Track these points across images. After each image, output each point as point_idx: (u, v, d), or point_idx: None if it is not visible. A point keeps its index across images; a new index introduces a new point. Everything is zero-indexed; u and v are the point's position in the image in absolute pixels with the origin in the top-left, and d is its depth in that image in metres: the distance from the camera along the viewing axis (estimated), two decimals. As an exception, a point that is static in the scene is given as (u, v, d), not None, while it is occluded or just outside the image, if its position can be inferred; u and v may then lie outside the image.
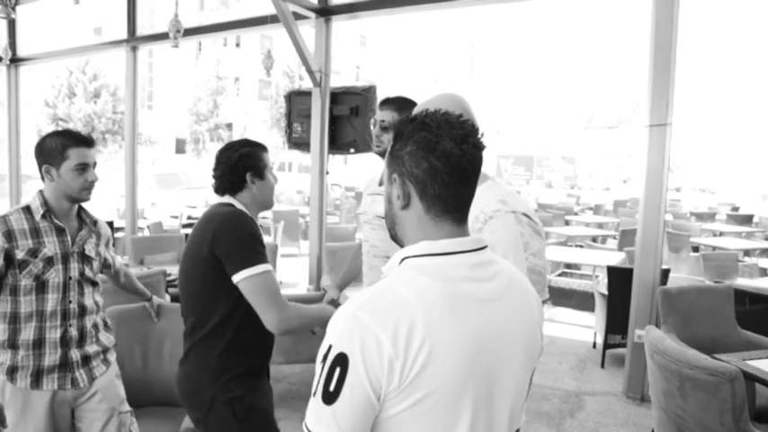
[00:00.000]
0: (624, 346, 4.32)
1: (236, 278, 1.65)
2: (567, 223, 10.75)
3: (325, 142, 5.06)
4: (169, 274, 4.38)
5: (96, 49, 8.39)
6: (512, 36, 69.80)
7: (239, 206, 1.81)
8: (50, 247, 1.92)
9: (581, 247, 8.19)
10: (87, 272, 2.03)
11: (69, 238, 1.98)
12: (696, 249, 7.66)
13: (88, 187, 1.97)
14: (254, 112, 33.87)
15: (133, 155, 6.62)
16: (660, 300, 3.60)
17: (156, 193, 14.92)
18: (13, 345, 1.89)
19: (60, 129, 1.99)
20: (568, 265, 7.24)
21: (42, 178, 1.95)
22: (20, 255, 1.86)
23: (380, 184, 2.23)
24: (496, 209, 1.48)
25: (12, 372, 1.89)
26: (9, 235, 1.86)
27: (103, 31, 26.92)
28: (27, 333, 1.90)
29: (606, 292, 4.55)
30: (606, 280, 4.59)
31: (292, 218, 9.74)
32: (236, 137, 33.37)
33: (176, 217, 9.94)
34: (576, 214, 12.68)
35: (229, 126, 33.57)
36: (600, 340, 4.79)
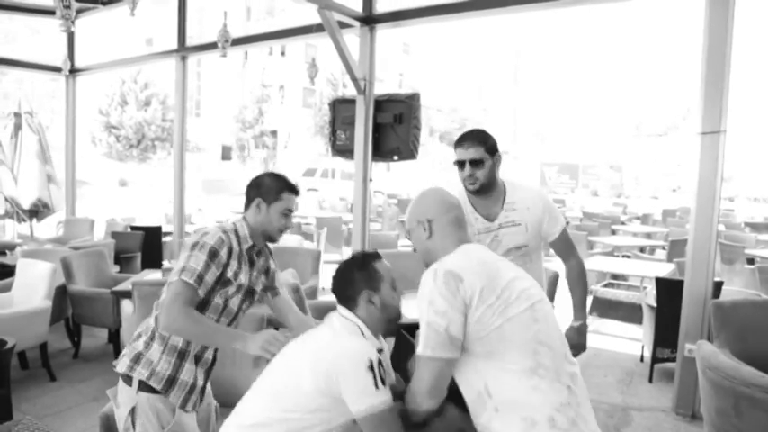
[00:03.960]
0: (673, 360, 4.17)
1: None
2: (613, 233, 10.49)
3: (368, 149, 5.10)
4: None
5: (148, 59, 8.71)
6: (558, 42, 68.78)
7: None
8: (245, 276, 2.00)
9: (628, 257, 7.97)
10: (245, 306, 2.08)
11: (255, 273, 2.07)
12: (751, 261, 7.34)
13: (284, 231, 2.07)
14: (299, 120, 34.41)
15: (181, 161, 6.83)
16: (713, 313, 3.46)
17: (202, 198, 15.32)
18: (182, 356, 1.91)
19: (278, 173, 2.12)
20: (615, 276, 7.04)
21: (246, 208, 2.05)
22: (228, 274, 1.93)
23: (488, 219, 2.35)
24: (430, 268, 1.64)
25: (170, 382, 1.89)
26: (230, 253, 1.93)
27: (154, 42, 27.88)
28: (196, 348, 1.95)
29: (655, 304, 4.41)
30: (655, 291, 4.45)
31: (335, 225, 9.81)
32: (280, 144, 34.08)
33: (221, 222, 10.16)
34: (622, 224, 12.35)
35: (274, 133, 34.18)
36: (648, 353, 4.65)
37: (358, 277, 1.70)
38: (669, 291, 4.25)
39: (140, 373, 1.86)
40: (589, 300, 6.45)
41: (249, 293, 2.05)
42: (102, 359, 4.66)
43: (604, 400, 4.07)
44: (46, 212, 7.41)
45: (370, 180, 5.24)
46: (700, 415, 3.64)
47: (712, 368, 2.26)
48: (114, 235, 6.65)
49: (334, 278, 1.76)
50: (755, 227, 11.75)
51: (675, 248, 7.64)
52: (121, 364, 1.90)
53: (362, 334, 1.65)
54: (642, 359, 4.92)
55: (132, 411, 1.86)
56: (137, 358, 1.89)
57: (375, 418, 1.49)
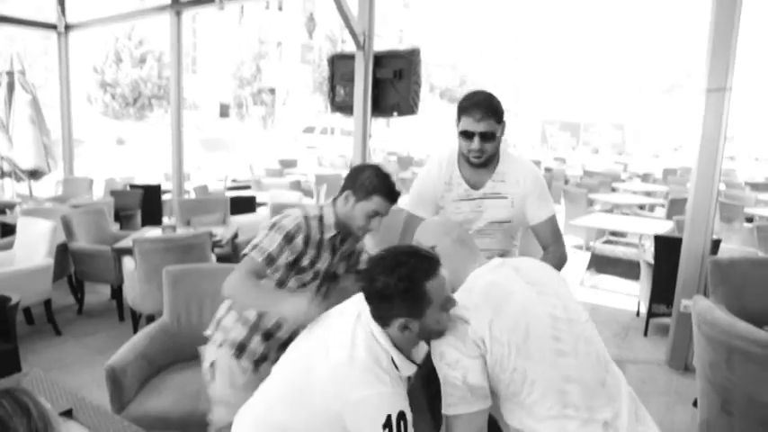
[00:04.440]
0: (668, 315, 4.24)
1: None
2: (613, 190, 10.49)
3: (368, 105, 5.03)
4: (215, 235, 4.51)
5: (143, 15, 8.49)
6: (560, -4, 67.09)
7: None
8: (323, 263, 1.96)
9: (627, 215, 7.98)
10: (323, 289, 2.05)
11: (336, 259, 2.02)
12: (750, 220, 7.37)
13: (366, 232, 1.95)
14: (297, 77, 33.89)
15: (178, 119, 6.75)
16: (710, 270, 3.49)
17: (201, 156, 15.23)
18: (254, 328, 1.97)
19: (384, 170, 1.92)
20: (614, 233, 7.09)
21: (339, 193, 1.95)
22: (304, 262, 1.91)
23: (474, 187, 2.19)
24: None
25: (240, 349, 1.97)
26: (307, 241, 1.89)
27: (148, -4, 27.20)
28: (270, 323, 1.97)
29: (652, 261, 4.45)
30: (653, 248, 4.48)
31: (335, 181, 9.81)
32: (278, 101, 33.67)
33: (221, 180, 10.15)
34: (623, 181, 12.34)
35: (272, 91, 33.74)
36: (644, 309, 4.71)
37: (398, 303, 1.36)
38: (667, 248, 4.28)
39: (217, 336, 2.00)
40: (587, 256, 6.52)
41: (329, 278, 2.03)
42: (105, 315, 4.72)
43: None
44: (44, 173, 7.39)
45: (370, 136, 5.19)
46: (692, 368, 3.72)
47: (708, 323, 2.30)
48: (113, 193, 6.65)
49: (367, 280, 1.40)
50: (756, 186, 11.73)
51: (675, 207, 7.66)
52: (210, 328, 2.06)
53: (393, 364, 1.40)
54: (638, 314, 5.00)
55: (212, 365, 2.00)
56: (217, 323, 2.04)
57: None
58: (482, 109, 2.03)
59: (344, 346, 1.38)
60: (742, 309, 3.27)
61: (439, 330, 1.41)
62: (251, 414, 1.54)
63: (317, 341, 1.49)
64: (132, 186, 7.38)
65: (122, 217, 6.29)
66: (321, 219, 1.94)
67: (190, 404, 2.39)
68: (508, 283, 1.49)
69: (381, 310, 1.39)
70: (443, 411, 1.39)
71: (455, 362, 1.36)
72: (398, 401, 1.33)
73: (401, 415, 1.31)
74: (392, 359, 1.39)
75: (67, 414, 1.82)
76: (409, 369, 1.44)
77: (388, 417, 1.29)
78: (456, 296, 1.44)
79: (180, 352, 2.79)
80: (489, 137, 2.05)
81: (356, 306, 1.48)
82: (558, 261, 2.15)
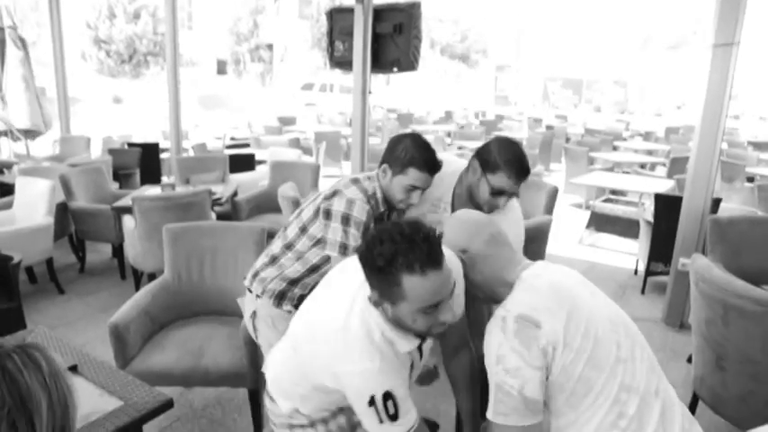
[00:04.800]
0: (666, 273, 4.27)
1: None
2: (614, 149, 10.43)
3: (367, 61, 4.94)
4: (214, 193, 4.50)
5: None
6: (566, -52, 65.04)
7: None
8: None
9: (627, 173, 7.96)
10: None
11: None
12: (751, 180, 7.35)
13: (407, 206, 1.92)
14: (295, 32, 33.19)
15: (175, 76, 6.63)
16: (709, 229, 3.50)
17: (199, 113, 15.06)
18: (293, 283, 1.97)
19: (422, 140, 1.82)
20: (614, 192, 7.08)
21: (379, 165, 1.93)
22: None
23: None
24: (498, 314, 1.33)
25: (280, 297, 1.99)
26: (371, 216, 1.89)
27: (141, -52, 26.36)
28: (312, 283, 1.95)
29: (652, 220, 4.45)
30: (653, 207, 4.48)
31: (334, 139, 9.74)
32: (276, 57, 33.06)
33: (220, 138, 10.06)
34: (624, 140, 12.25)
35: (270, 47, 33.08)
36: (642, 267, 4.75)
37: (372, 278, 1.26)
38: (667, 207, 4.28)
39: (256, 287, 2.01)
40: (587, 214, 6.53)
41: None
42: (107, 273, 4.76)
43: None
44: (40, 132, 7.31)
45: (370, 92, 5.11)
46: (688, 325, 3.77)
47: (705, 280, 2.31)
48: (111, 152, 6.60)
49: (363, 239, 1.32)
50: (758, 146, 11.64)
51: (676, 165, 7.62)
52: (247, 278, 2.06)
53: (388, 344, 1.32)
54: (636, 272, 5.04)
55: (253, 315, 2.03)
56: (255, 274, 2.03)
57: None
58: (523, 175, 1.89)
59: (343, 310, 1.32)
60: (739, 267, 3.29)
61: (416, 330, 1.28)
62: (279, 350, 1.58)
63: (328, 296, 1.46)
64: (130, 145, 7.32)
65: (121, 176, 6.27)
66: (375, 195, 1.93)
67: (192, 360, 2.43)
68: (571, 284, 1.36)
69: (365, 275, 1.28)
70: (490, 417, 1.28)
71: (515, 369, 1.22)
72: (385, 380, 1.26)
73: (387, 395, 1.25)
74: (383, 334, 1.30)
75: (73, 369, 1.85)
76: (408, 344, 1.33)
77: (372, 396, 1.25)
78: (520, 294, 1.32)
79: (181, 309, 2.83)
80: (514, 194, 1.95)
81: (350, 290, 1.38)
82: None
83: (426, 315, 1.24)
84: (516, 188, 1.90)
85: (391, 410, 1.25)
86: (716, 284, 2.25)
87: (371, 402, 1.25)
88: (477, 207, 1.90)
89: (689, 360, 3.36)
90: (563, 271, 1.42)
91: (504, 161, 1.85)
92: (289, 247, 1.95)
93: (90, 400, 1.70)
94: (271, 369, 1.59)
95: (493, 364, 1.26)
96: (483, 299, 1.47)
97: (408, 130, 12.02)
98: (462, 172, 1.99)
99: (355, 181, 1.92)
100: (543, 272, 1.38)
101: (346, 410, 1.51)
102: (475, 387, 1.67)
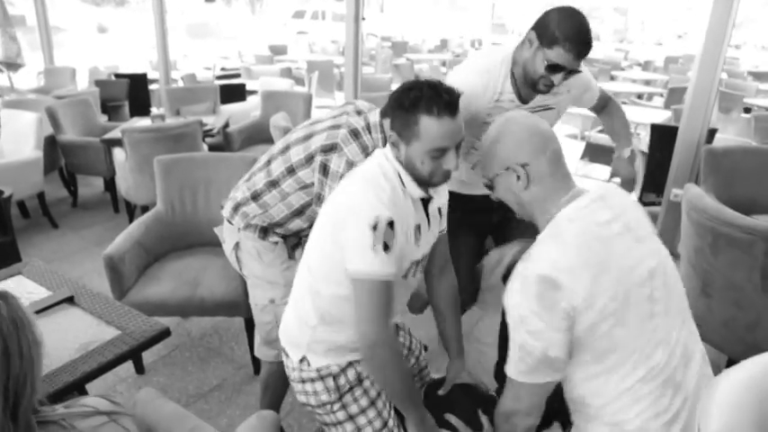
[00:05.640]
0: (658, 204, 4.29)
1: None
2: (612, 79, 10.23)
3: (360, -15, 4.74)
4: (205, 124, 4.43)
5: None
6: None
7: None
8: None
9: (625, 103, 7.85)
10: None
11: None
12: (748, 111, 7.27)
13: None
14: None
15: (161, 4, 6.35)
16: (704, 158, 3.49)
17: (187, 43, 14.59)
18: (277, 224, 1.90)
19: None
20: (610, 123, 6.99)
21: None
22: None
23: (522, 101, 1.93)
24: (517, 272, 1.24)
25: (265, 231, 1.90)
26: None
27: None
28: (295, 225, 1.91)
29: (647, 150, 4.43)
30: (648, 138, 4.45)
31: (327, 68, 9.51)
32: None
33: (210, 68, 9.80)
34: (623, 69, 12.01)
35: (258, -28, 31.65)
36: (635, 197, 4.77)
37: (393, 115, 1.40)
38: (662, 137, 4.25)
39: (237, 222, 1.91)
40: (582, 145, 6.49)
41: None
42: (100, 207, 4.75)
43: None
44: (20, 64, 7.08)
45: (363, 19, 4.93)
46: (677, 254, 3.82)
47: (697, 209, 2.33)
48: (98, 83, 6.43)
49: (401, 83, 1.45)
50: (758, 76, 11.44)
51: (674, 96, 7.51)
52: (226, 209, 1.95)
53: (400, 180, 1.40)
54: (628, 204, 5.07)
55: (236, 247, 1.95)
56: (236, 207, 1.91)
57: (363, 284, 1.31)
58: (587, 48, 1.72)
59: (354, 178, 1.44)
60: (731, 197, 3.31)
61: (422, 172, 1.38)
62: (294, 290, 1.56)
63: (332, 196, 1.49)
64: (117, 76, 7.12)
65: (109, 108, 6.13)
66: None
67: (188, 290, 2.46)
68: (605, 234, 1.22)
69: (389, 114, 1.43)
70: (511, 374, 1.24)
71: (538, 332, 1.17)
72: (394, 212, 1.33)
73: (392, 224, 1.30)
74: (399, 175, 1.40)
75: (69, 301, 1.88)
76: (416, 191, 1.42)
77: (377, 217, 1.28)
78: (546, 246, 1.22)
79: (176, 240, 2.84)
80: (574, 73, 1.79)
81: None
82: (619, 106, 2.33)
83: (433, 159, 1.35)
84: (576, 64, 1.73)
85: (389, 241, 1.29)
86: (707, 213, 2.27)
87: (374, 226, 1.28)
88: (533, 84, 1.79)
89: (676, 288, 3.43)
90: (610, 210, 1.25)
91: (564, 34, 1.67)
92: (273, 184, 1.80)
93: (88, 330, 1.73)
94: (285, 314, 1.60)
95: (517, 322, 1.21)
96: (518, 217, 1.40)
97: (402, 60, 11.73)
98: (517, 47, 1.84)
99: (355, 134, 1.70)
100: (575, 213, 1.24)
101: (354, 364, 1.51)
102: (457, 312, 1.71)
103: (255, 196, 1.85)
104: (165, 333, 1.75)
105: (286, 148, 1.79)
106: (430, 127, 1.32)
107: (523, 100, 1.93)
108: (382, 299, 1.32)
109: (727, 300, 2.32)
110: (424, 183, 1.42)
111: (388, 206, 1.32)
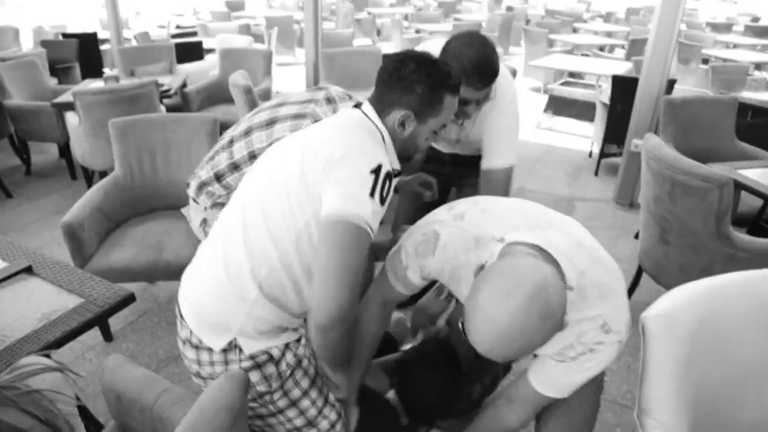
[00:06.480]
0: (619, 155, 4.38)
1: None
2: (574, 31, 10.23)
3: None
4: (161, 85, 4.27)
5: None
6: None
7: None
8: None
9: (587, 56, 7.88)
10: None
11: None
12: (706, 62, 7.39)
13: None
14: None
15: (108, -45, 6.03)
16: (663, 109, 3.56)
17: (138, 0, 13.92)
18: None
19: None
20: (572, 74, 7.04)
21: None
22: None
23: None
24: (600, 340, 1.17)
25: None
26: None
27: None
28: None
29: (608, 102, 4.48)
30: (609, 90, 4.50)
31: (286, 24, 9.25)
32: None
33: (164, 26, 9.40)
34: (584, 21, 12.00)
35: None
36: (596, 149, 4.85)
37: (416, 94, 1.27)
38: (623, 88, 4.30)
39: (204, 201, 1.85)
40: (545, 98, 6.53)
41: None
42: (56, 175, 4.59)
43: (552, 193, 4.33)
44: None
45: (321, -27, 4.78)
46: (637, 204, 3.94)
47: (656, 158, 2.38)
48: (45, 44, 6.09)
49: (399, 60, 1.29)
50: (716, 27, 11.59)
51: (635, 47, 7.57)
52: (191, 188, 1.87)
53: (384, 144, 1.31)
54: (590, 155, 5.15)
55: (203, 223, 1.89)
56: (200, 186, 1.85)
57: (347, 229, 1.13)
58: (486, 78, 1.71)
59: (336, 122, 1.34)
60: (689, 147, 3.39)
61: (421, 147, 1.37)
62: (217, 265, 1.29)
63: (293, 145, 1.31)
64: (65, 36, 6.77)
65: (59, 70, 5.84)
66: None
67: (152, 255, 2.42)
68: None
69: (392, 95, 1.29)
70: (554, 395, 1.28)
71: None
72: (390, 164, 1.23)
73: (390, 175, 1.20)
74: (384, 141, 1.31)
75: (28, 271, 1.82)
76: (395, 161, 1.35)
77: (380, 164, 1.17)
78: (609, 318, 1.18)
79: (137, 205, 2.78)
80: (487, 97, 1.80)
81: (338, 114, 1.41)
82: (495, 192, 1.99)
83: (434, 135, 1.37)
84: (481, 95, 1.75)
85: (385, 191, 1.18)
86: (665, 162, 2.32)
87: (376, 171, 1.16)
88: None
89: (636, 236, 3.54)
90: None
91: (462, 70, 1.63)
92: (236, 167, 1.76)
93: (50, 300, 1.69)
94: (197, 295, 1.32)
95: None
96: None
97: (364, 14, 11.47)
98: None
99: None
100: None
101: (291, 345, 1.32)
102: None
103: (219, 177, 1.80)
104: (130, 299, 1.72)
105: (249, 131, 1.74)
106: (450, 104, 1.33)
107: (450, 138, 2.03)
108: (361, 254, 1.16)
109: (684, 245, 2.40)
110: (407, 158, 1.39)
111: (387, 158, 1.23)
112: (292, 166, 1.23)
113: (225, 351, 1.25)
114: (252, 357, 1.25)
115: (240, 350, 1.24)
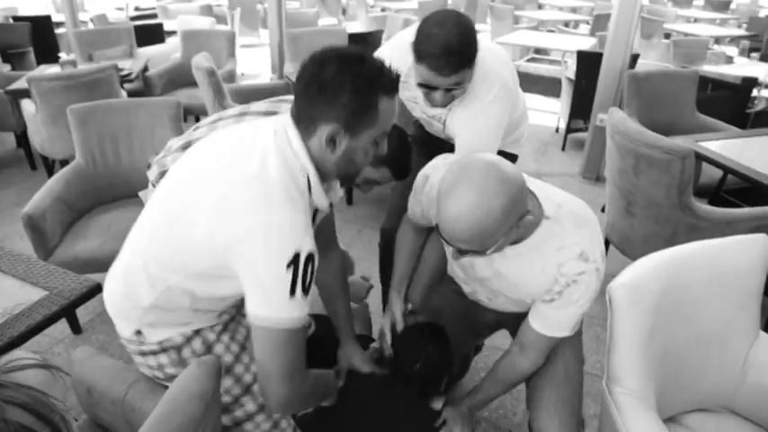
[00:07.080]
0: (585, 130, 4.44)
1: None
2: (540, 7, 10.26)
3: None
4: (122, 69, 4.16)
5: None
6: None
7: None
8: None
9: (552, 32, 7.93)
10: None
11: None
12: (668, 36, 7.50)
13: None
14: None
15: (58, -67, 5.79)
16: (627, 84, 3.61)
17: (93, -19, 13.41)
18: None
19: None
20: (537, 50, 7.08)
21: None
22: None
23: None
24: (581, 270, 1.24)
25: None
26: None
27: None
28: None
29: (573, 78, 4.53)
30: (575, 65, 4.54)
31: (249, 4, 9.05)
32: None
33: (122, 8, 9.10)
34: (550, -2, 12.03)
35: None
36: (563, 125, 4.90)
37: (343, 103, 1.03)
38: (588, 64, 4.34)
39: None
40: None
41: None
42: (15, 165, 4.44)
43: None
44: None
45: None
46: (603, 178, 4.01)
47: (620, 132, 2.42)
48: (-6, 28, 5.86)
49: (317, 64, 1.04)
50: (677, 1, 11.75)
51: (599, 22, 7.64)
52: (152, 172, 1.77)
53: (308, 187, 1.09)
54: (557, 130, 5.21)
55: None
56: (163, 174, 1.71)
57: (271, 333, 1.03)
58: (454, 63, 1.48)
59: (254, 158, 1.04)
60: (652, 120, 3.46)
61: (360, 165, 1.13)
62: (122, 262, 1.28)
63: (210, 158, 1.12)
64: (16, 19, 6.49)
65: (11, 56, 5.62)
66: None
67: (118, 243, 2.33)
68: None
69: (315, 108, 1.04)
70: (566, 333, 1.37)
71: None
72: (311, 239, 1.03)
73: (311, 256, 1.01)
74: (308, 179, 1.08)
75: (-13, 264, 1.77)
76: (322, 200, 1.14)
77: (297, 253, 0.99)
78: (586, 246, 1.26)
79: (100, 193, 2.71)
80: (459, 85, 1.56)
81: (271, 123, 1.13)
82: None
83: (374, 147, 1.12)
84: (448, 82, 1.52)
85: (308, 279, 1.02)
86: (629, 136, 2.36)
87: (294, 262, 0.98)
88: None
89: (602, 210, 3.61)
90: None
91: (425, 51, 1.49)
92: None
93: (12, 293, 1.64)
94: (108, 288, 1.30)
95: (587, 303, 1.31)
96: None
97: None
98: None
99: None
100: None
101: (202, 332, 1.27)
102: (346, 289, 1.60)
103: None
104: (96, 289, 1.68)
105: (217, 120, 1.70)
106: (388, 108, 1.08)
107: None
108: (299, 347, 1.08)
109: (648, 217, 2.46)
110: (348, 180, 1.19)
111: (307, 232, 1.03)
112: (191, 206, 1.07)
113: (137, 333, 1.24)
114: (159, 343, 1.24)
115: (145, 336, 1.24)
